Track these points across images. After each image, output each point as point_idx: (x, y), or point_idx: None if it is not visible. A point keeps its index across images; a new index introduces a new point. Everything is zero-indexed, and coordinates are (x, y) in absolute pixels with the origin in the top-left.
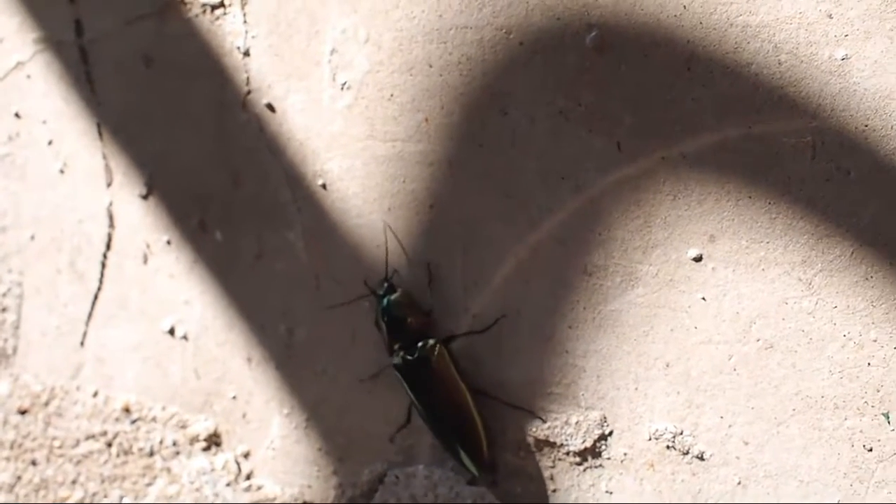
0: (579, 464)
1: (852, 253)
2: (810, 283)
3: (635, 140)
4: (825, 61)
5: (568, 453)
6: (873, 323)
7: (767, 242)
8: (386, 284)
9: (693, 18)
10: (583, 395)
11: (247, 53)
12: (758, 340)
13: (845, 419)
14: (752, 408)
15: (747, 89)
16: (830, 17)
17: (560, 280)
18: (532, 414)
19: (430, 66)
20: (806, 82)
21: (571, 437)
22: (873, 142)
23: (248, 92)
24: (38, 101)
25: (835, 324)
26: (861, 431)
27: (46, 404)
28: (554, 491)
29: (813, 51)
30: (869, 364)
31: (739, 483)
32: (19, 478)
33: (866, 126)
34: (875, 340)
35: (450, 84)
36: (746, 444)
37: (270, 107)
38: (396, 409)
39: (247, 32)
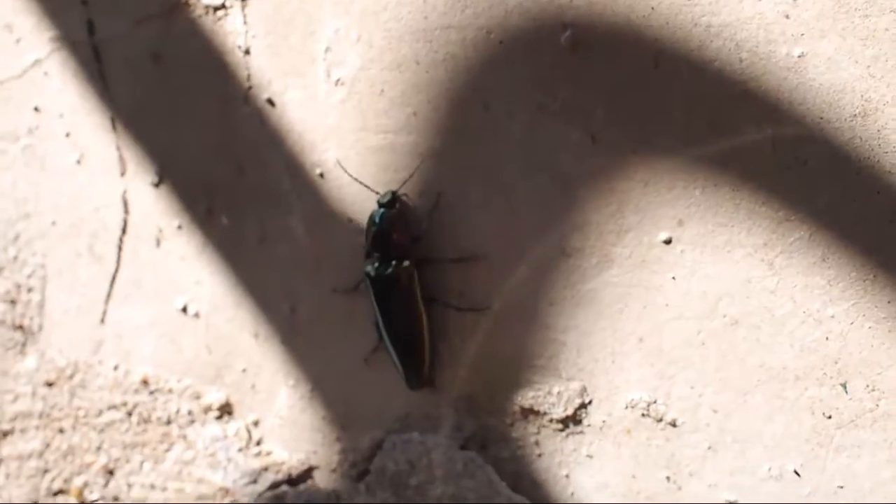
0: (562, 430)
1: (810, 236)
2: (772, 264)
3: (608, 132)
4: (783, 58)
5: (551, 421)
6: (830, 300)
7: (732, 226)
8: (390, 195)
9: (660, 19)
10: (564, 367)
11: (247, 52)
12: (724, 317)
13: (806, 389)
14: (720, 379)
15: (711, 85)
16: (787, 17)
17: (541, 262)
18: (478, 311)
19: (418, 64)
20: (766, 78)
21: (554, 405)
22: (828, 133)
23: (250, 87)
24: (55, 97)
25: (795, 301)
26: (821, 400)
27: (71, 377)
28: (539, 455)
29: (772, 49)
30: (827, 338)
31: (709, 447)
32: (48, 445)
33: (821, 119)
34: (832, 316)
35: (436, 80)
36: (715, 412)
37: (270, 101)
38: (392, 380)
39: (247, 32)
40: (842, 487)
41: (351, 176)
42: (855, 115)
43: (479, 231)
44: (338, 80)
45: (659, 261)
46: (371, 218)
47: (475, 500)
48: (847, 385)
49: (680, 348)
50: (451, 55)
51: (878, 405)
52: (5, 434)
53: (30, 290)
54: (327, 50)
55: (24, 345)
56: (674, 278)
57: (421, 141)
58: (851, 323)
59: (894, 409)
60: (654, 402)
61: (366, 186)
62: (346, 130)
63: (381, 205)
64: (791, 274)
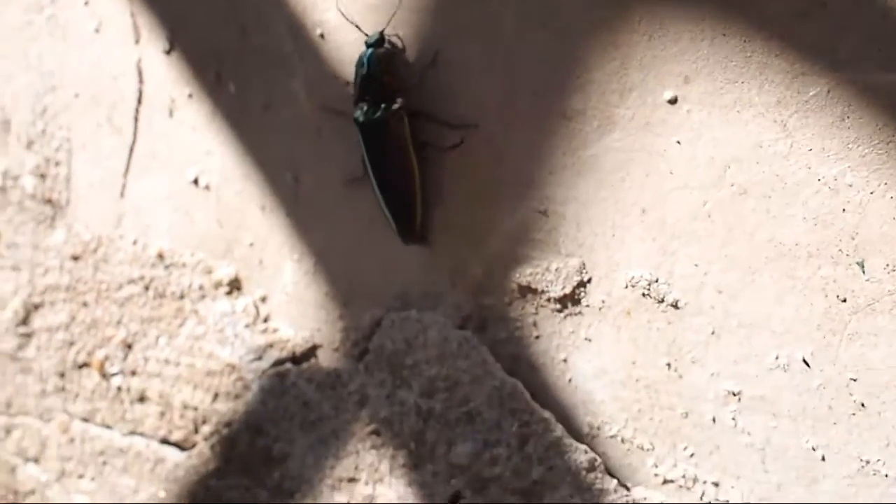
0: (560, 311)
1: (828, 92)
2: (785, 125)
3: None
4: None
5: (549, 300)
6: (849, 167)
7: (742, 83)
8: (378, 35)
9: None
10: (563, 241)
11: None
12: (732, 185)
13: (819, 268)
14: (726, 255)
15: None
16: None
17: (540, 125)
18: (466, 126)
19: None
20: None
21: (552, 283)
22: None
23: None
24: None
25: (809, 168)
26: (835, 281)
27: (95, 251)
28: (537, 337)
29: None
30: (844, 210)
31: (713, 332)
32: (73, 318)
33: None
34: (850, 185)
35: None
36: (720, 292)
37: None
38: (394, 256)
39: None
40: (855, 380)
41: (345, 17)
42: None
43: (477, 94)
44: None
45: (663, 123)
46: (359, 60)
47: (468, 381)
48: (864, 264)
49: (684, 221)
50: None
51: None
52: (36, 307)
53: (57, 163)
54: None
55: (53, 218)
56: (679, 142)
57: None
58: (871, 192)
59: None
60: (656, 280)
61: (357, 27)
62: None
63: (368, 45)
64: (806, 136)
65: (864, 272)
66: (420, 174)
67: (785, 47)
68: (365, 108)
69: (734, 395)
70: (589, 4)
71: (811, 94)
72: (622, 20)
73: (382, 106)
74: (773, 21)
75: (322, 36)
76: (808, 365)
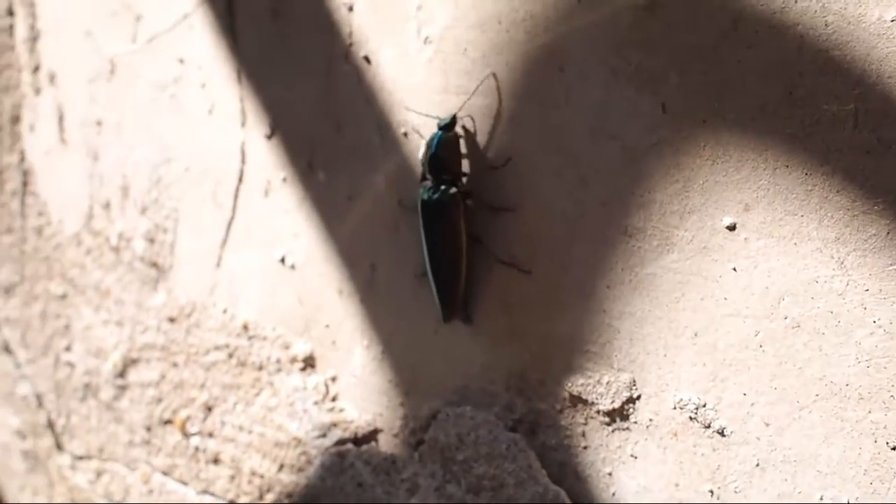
0: (608, 424)
1: (888, 233)
2: (842, 263)
3: (680, 101)
4: (874, 23)
5: (599, 412)
6: None
7: (802, 215)
8: (450, 118)
9: None
10: (616, 356)
11: (351, 9)
12: (785, 318)
13: (869, 412)
14: (775, 388)
15: (792, 51)
16: None
17: (602, 240)
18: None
19: (499, 23)
20: (852, 45)
21: (602, 396)
22: None
23: (350, 45)
24: (196, 49)
25: (865, 308)
26: (885, 427)
27: (189, 316)
28: (584, 447)
29: (861, 11)
30: None
31: (758, 465)
32: (164, 376)
33: None
34: None
35: (515, 41)
36: (767, 425)
37: (367, 59)
38: (456, 351)
39: None
40: None
41: (414, 111)
42: None
43: (542, 196)
44: (426, 38)
45: (721, 248)
46: (429, 141)
47: (513, 483)
48: None
49: (735, 349)
50: (531, 14)
51: None
52: (133, 362)
53: (165, 230)
54: (419, 7)
55: (156, 281)
56: (735, 269)
57: (496, 104)
58: None
59: None
60: (704, 405)
61: (427, 116)
62: (430, 90)
63: (440, 128)
64: (863, 276)
65: None
66: (468, 258)
67: (847, 183)
68: (428, 186)
69: None
70: (656, 124)
71: (871, 233)
72: (688, 143)
73: (442, 188)
74: (837, 155)
75: (405, 134)
76: None
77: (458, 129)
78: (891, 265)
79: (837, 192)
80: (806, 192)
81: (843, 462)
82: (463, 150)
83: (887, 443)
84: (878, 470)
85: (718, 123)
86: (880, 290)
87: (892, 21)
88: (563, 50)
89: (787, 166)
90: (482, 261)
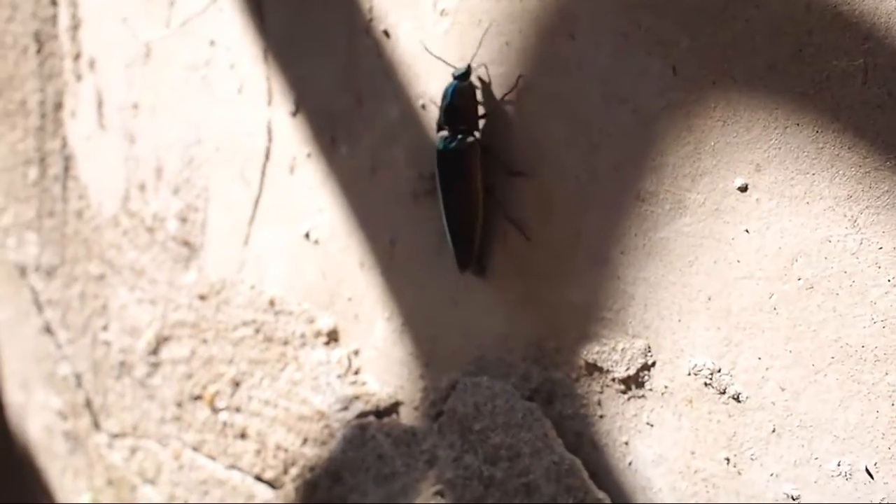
0: (624, 392)
1: None
2: (855, 221)
3: (690, 63)
4: None
5: (614, 380)
6: None
7: (813, 174)
8: (465, 68)
9: None
10: (630, 322)
11: None
12: (799, 279)
13: (886, 374)
14: (790, 351)
15: (799, 8)
16: None
17: (614, 205)
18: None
19: None
20: (860, 0)
21: (618, 363)
22: None
23: (371, 20)
24: (225, 30)
25: (879, 267)
26: None
27: (218, 293)
28: (601, 416)
29: None
30: None
31: (774, 430)
32: (194, 352)
33: None
34: None
35: (528, 9)
36: (783, 389)
37: (386, 33)
38: (474, 321)
39: None
40: None
41: (433, 54)
42: None
43: (555, 162)
44: (442, 11)
45: (733, 210)
46: (445, 91)
47: (529, 452)
48: None
49: (749, 312)
50: None
51: None
52: (166, 339)
53: (196, 209)
54: None
55: (188, 259)
56: (747, 231)
57: (512, 72)
58: None
59: None
60: (719, 370)
61: (445, 62)
62: (447, 62)
63: (455, 77)
64: (876, 234)
65: None
66: (483, 208)
67: (858, 140)
68: (445, 136)
69: (793, 499)
70: (667, 86)
71: (883, 189)
72: (698, 104)
73: (459, 137)
74: (847, 112)
75: (423, 107)
76: (871, 476)
77: (474, 80)
78: None
79: (849, 149)
80: (817, 151)
81: (861, 426)
82: (479, 99)
83: None
84: None
85: (728, 84)
86: (894, 248)
87: None
88: (575, 16)
89: (798, 125)
90: (499, 222)
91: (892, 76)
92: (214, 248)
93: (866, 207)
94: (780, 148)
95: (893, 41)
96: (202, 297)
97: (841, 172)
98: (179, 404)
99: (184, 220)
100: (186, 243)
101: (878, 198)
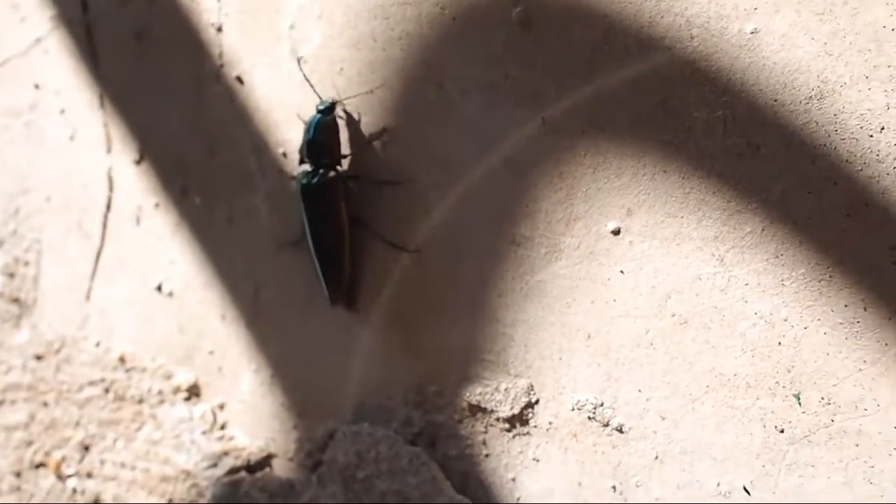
0: (509, 430)
1: (763, 230)
2: (723, 260)
3: (558, 113)
4: (735, 35)
5: (498, 419)
6: (784, 302)
7: (682, 217)
8: (329, 102)
9: None
10: (512, 363)
11: (220, 29)
12: (673, 315)
13: (757, 399)
14: (668, 382)
15: (662, 64)
16: None
17: (490, 251)
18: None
19: (375, 41)
20: (717, 56)
21: (501, 403)
22: (782, 116)
23: (221, 65)
24: (53, 74)
25: (746, 301)
26: (773, 412)
27: (58, 352)
28: (486, 455)
29: (724, 25)
30: (780, 343)
31: (657, 458)
32: (33, 417)
33: (775, 101)
34: (785, 320)
35: (391, 58)
36: (663, 419)
37: (240, 79)
38: (351, 368)
39: (220, 9)
40: None
41: (306, 78)
42: (811, 97)
43: (428, 211)
44: (300, 59)
45: (607, 252)
46: (308, 124)
47: (418, 498)
48: (801, 397)
49: (628, 348)
50: (407, 32)
51: (833, 420)
52: None
53: (26, 263)
54: (291, 27)
55: (19, 318)
56: (622, 272)
57: (376, 122)
58: (805, 328)
59: (850, 426)
60: (601, 405)
61: (316, 92)
62: (307, 110)
63: (319, 111)
64: (742, 272)
65: (800, 404)
66: (351, 241)
67: (722, 185)
68: (307, 171)
69: None
70: (536, 135)
71: (747, 230)
72: (568, 152)
73: (320, 172)
74: (710, 160)
75: (284, 155)
76: (748, 493)
77: (339, 112)
78: (767, 259)
79: (713, 193)
80: (684, 195)
81: (737, 448)
82: (339, 134)
83: (775, 426)
84: (769, 453)
85: (597, 133)
86: (759, 284)
87: (752, 33)
88: (441, 66)
89: (665, 171)
90: (374, 248)
91: (749, 127)
92: (50, 305)
93: (732, 247)
94: (649, 193)
95: (748, 95)
96: (38, 357)
97: (707, 215)
98: (18, 474)
99: (11, 275)
100: (16, 300)
101: (743, 238)
